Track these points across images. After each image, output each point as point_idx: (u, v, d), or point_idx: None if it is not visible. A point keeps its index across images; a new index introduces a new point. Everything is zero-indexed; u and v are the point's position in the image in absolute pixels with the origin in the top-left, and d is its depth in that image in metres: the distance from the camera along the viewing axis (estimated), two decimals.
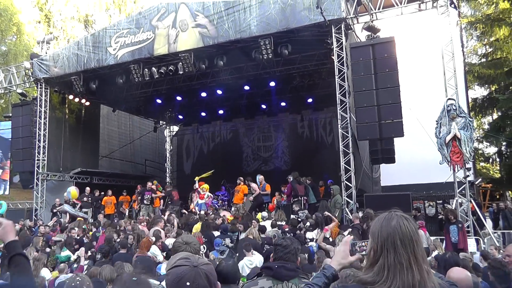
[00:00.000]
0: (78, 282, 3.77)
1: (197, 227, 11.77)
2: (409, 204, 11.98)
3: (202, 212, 14.19)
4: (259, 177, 16.05)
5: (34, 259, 7.86)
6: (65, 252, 10.45)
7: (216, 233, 10.97)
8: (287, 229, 10.81)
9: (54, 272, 8.20)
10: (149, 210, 16.38)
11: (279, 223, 11.92)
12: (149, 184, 17.07)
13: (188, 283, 1.83)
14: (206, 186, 15.90)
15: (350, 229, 9.74)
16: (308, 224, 11.42)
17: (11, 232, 2.66)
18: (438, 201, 15.23)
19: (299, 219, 12.03)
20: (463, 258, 6.26)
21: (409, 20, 14.11)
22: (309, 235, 10.00)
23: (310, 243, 9.62)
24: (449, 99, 12.03)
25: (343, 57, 13.46)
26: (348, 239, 2.55)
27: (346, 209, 12.87)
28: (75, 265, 8.77)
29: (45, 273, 7.84)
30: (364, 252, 2.42)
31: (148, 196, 16.67)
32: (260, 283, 3.43)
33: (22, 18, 36.24)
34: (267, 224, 11.65)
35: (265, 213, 13.34)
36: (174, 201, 16.86)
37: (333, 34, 13.51)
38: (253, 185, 15.71)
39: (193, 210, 15.53)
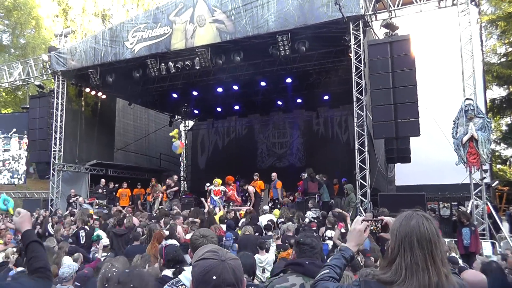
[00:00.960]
0: (114, 273, 3.77)
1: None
2: (424, 204, 11.84)
3: (217, 209, 14.14)
4: (273, 174, 16.05)
5: (58, 248, 8.00)
6: (97, 232, 10.60)
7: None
8: (314, 228, 10.69)
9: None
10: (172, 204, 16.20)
11: (281, 219, 11.78)
12: (175, 177, 17.04)
13: (214, 277, 1.83)
14: (218, 180, 15.53)
15: None
16: (307, 220, 11.34)
17: (28, 221, 2.90)
18: (453, 202, 15.04)
19: (313, 217, 11.97)
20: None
21: (427, 17, 13.97)
22: (329, 233, 9.93)
23: (327, 241, 9.56)
24: (467, 99, 11.86)
25: (360, 54, 13.34)
26: (361, 218, 2.58)
27: (360, 207, 12.80)
28: (90, 256, 8.82)
29: (67, 261, 7.90)
30: (372, 227, 2.50)
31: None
32: (290, 280, 3.37)
33: (41, 12, 36.65)
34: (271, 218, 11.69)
35: (276, 210, 13.32)
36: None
37: (351, 31, 13.39)
38: (250, 189, 15.60)
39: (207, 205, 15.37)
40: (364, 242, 2.66)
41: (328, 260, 2.50)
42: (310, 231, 9.81)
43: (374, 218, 2.56)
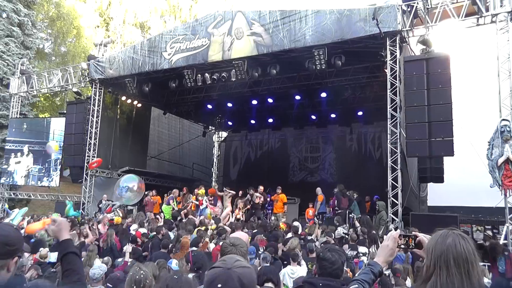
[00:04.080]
0: (142, 276, 3.83)
1: None
2: (456, 226, 11.53)
3: (202, 217, 13.92)
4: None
5: (88, 250, 8.15)
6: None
7: None
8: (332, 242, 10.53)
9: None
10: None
11: (309, 237, 11.53)
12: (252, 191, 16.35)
13: (219, 285, 1.81)
14: (201, 191, 15.98)
15: None
16: (325, 239, 11.01)
17: (65, 230, 2.80)
18: (487, 226, 14.63)
19: (344, 233, 11.77)
20: None
21: (464, 34, 13.71)
22: (361, 249, 9.76)
23: (362, 257, 9.38)
24: (503, 119, 11.48)
25: (396, 70, 13.24)
26: (396, 234, 2.51)
27: (392, 226, 12.58)
28: (120, 259, 8.89)
29: (97, 263, 8.01)
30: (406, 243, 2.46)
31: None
32: None
33: (82, 22, 37.61)
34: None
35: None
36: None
37: (388, 47, 13.33)
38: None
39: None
40: (393, 257, 2.60)
41: (357, 275, 2.47)
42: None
43: (408, 234, 2.51)
